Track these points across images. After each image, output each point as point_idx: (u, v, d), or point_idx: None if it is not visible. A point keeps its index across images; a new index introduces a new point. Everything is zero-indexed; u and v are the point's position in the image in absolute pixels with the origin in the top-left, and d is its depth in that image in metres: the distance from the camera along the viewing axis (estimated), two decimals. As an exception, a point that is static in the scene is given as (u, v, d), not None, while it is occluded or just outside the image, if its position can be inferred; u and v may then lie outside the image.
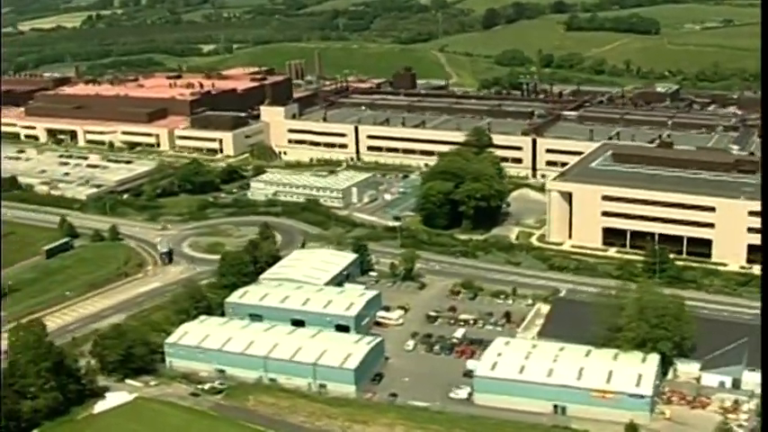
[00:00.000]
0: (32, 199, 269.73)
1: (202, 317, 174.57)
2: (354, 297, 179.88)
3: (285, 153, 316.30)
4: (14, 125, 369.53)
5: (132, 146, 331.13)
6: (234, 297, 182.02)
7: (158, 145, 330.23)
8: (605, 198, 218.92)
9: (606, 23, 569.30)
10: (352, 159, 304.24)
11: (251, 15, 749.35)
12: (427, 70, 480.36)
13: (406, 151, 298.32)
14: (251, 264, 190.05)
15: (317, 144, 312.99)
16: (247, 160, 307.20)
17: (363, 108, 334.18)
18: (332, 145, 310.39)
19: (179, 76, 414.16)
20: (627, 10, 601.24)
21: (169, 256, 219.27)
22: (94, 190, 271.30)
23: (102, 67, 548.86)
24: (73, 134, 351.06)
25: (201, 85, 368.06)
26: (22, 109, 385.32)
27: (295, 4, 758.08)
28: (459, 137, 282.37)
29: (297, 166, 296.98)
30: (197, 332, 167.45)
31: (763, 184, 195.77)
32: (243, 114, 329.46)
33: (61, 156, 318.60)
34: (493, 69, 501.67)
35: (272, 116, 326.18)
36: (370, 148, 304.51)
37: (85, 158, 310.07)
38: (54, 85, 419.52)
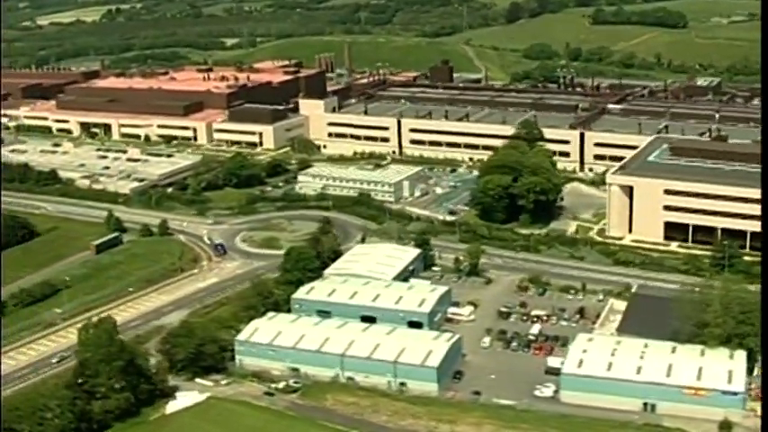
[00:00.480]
0: (74, 193, 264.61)
1: (270, 313, 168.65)
2: (425, 293, 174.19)
3: (325, 146, 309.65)
4: (46, 118, 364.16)
5: (169, 139, 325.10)
6: (301, 293, 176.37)
7: (195, 138, 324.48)
8: (668, 192, 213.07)
9: (632, 17, 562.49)
10: (393, 153, 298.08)
11: (272, 9, 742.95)
12: (456, 64, 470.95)
13: (449, 145, 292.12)
14: (315, 259, 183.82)
15: (358, 137, 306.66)
16: (288, 154, 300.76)
17: (403, 101, 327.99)
18: (373, 138, 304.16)
19: (210, 70, 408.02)
20: (653, 4, 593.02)
21: (222, 248, 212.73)
22: (137, 184, 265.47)
23: (125, 61, 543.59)
24: (107, 127, 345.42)
25: (237, 79, 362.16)
26: (53, 102, 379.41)
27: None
28: (507, 130, 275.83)
29: (340, 159, 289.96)
30: (268, 329, 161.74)
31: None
32: (281, 107, 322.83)
33: (99, 149, 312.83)
34: (521, 63, 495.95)
35: (312, 109, 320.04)
36: (413, 142, 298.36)
37: (124, 152, 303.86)
38: (83, 79, 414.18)
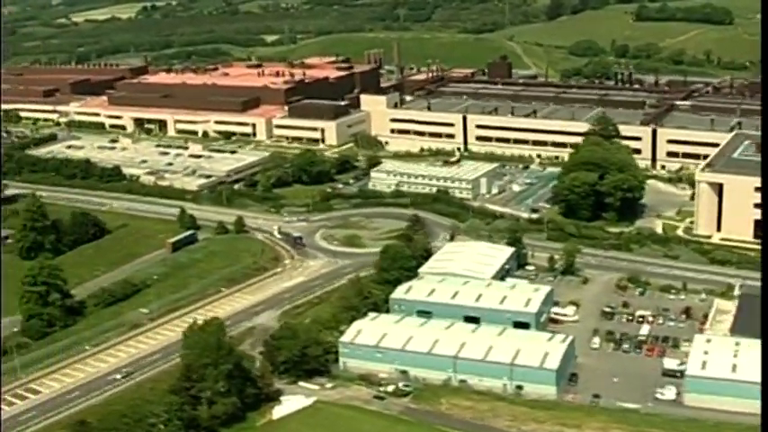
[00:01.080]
0: (139, 190, 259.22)
1: (372, 314, 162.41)
2: (529, 292, 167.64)
3: (387, 143, 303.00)
4: (98, 114, 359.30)
5: (227, 135, 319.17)
6: (399, 293, 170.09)
7: (254, 134, 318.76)
8: (758, 189, 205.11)
9: (677, 13, 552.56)
10: (459, 149, 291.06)
11: (309, 6, 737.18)
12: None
13: (517, 141, 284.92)
14: (411, 258, 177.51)
15: (422, 134, 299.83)
16: (353, 150, 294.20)
17: (465, 97, 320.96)
18: (438, 135, 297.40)
19: (260, 65, 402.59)
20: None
21: (300, 242, 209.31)
22: (204, 180, 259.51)
23: (166, 58, 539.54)
24: (162, 123, 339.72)
25: (292, 75, 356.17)
26: (104, 98, 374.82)
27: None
28: (580, 126, 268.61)
29: (406, 156, 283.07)
30: (372, 330, 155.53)
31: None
32: (343, 103, 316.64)
33: (158, 145, 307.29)
34: (569, 59, 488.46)
35: (373, 105, 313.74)
36: (479, 138, 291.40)
37: (185, 148, 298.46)
38: (131, 75, 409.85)
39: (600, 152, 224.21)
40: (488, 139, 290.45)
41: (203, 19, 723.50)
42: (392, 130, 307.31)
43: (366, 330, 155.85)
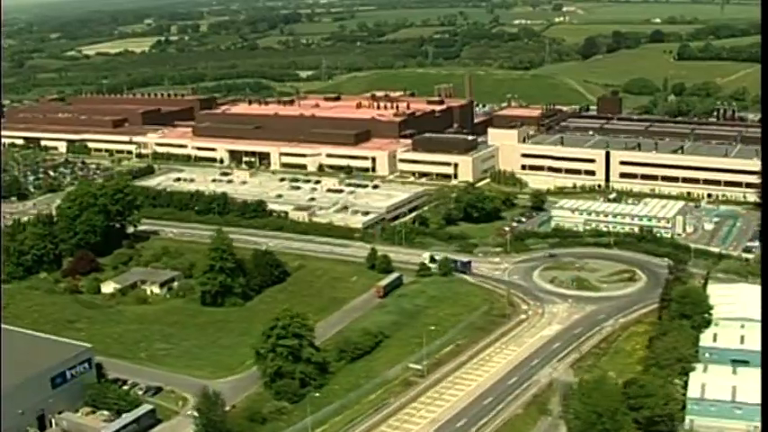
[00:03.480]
0: (293, 227, 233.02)
1: (698, 365, 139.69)
2: None
3: (522, 179, 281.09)
4: (184, 146, 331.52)
5: (345, 170, 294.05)
6: (707, 341, 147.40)
7: (373, 169, 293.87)
8: None
9: (723, 53, 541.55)
10: (599, 186, 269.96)
11: (330, 42, 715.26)
12: (566, 96, 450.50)
13: (665, 178, 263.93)
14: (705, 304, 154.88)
15: (557, 170, 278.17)
16: (489, 186, 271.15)
17: (591, 133, 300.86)
18: (576, 171, 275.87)
19: (338, 98, 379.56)
20: (744, 38, 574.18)
21: (467, 267, 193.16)
22: (366, 217, 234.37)
23: (206, 90, 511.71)
24: (261, 156, 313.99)
25: (397, 107, 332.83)
26: (182, 129, 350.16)
27: (375, 32, 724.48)
28: (749, 165, 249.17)
29: (552, 192, 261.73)
30: (718, 384, 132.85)
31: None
32: (471, 137, 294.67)
33: (283, 179, 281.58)
34: (627, 98, 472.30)
35: (502, 139, 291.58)
36: (623, 175, 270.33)
37: (317, 182, 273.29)
38: (201, 105, 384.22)
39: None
40: (633, 175, 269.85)
41: (221, 54, 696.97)
42: (523, 166, 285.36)
43: (711, 384, 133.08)
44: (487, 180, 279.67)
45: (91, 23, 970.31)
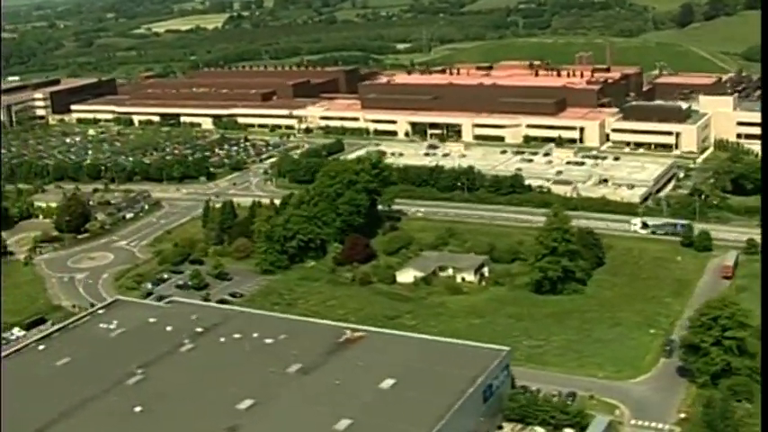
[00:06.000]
0: (560, 203, 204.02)
1: None
2: None
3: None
4: (356, 119, 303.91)
5: (544, 140, 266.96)
6: None
7: (581, 140, 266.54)
8: None
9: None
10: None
11: (411, 14, 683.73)
12: (699, 65, 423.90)
13: None
14: None
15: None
16: (716, 156, 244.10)
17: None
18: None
19: (490, 68, 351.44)
20: None
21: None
22: (631, 191, 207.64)
23: (312, 64, 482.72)
24: (449, 127, 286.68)
25: (581, 75, 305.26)
26: (345, 101, 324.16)
27: (456, 3, 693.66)
28: None
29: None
30: None
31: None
32: (685, 105, 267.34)
33: (504, 151, 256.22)
34: (751, 65, 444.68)
35: (715, 107, 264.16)
36: None
37: (545, 154, 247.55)
38: (345, 77, 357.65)
39: None
40: None
41: (300, 28, 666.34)
42: (738, 135, 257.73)
43: None
44: (711, 149, 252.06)
45: (144, 2, 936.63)
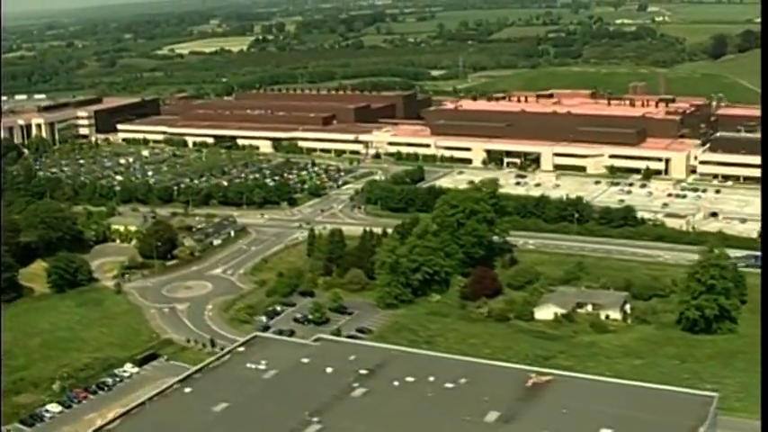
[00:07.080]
0: (675, 237, 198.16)
1: None
2: None
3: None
4: (427, 146, 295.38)
5: (627, 170, 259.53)
6: None
7: (666, 171, 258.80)
8: None
9: None
10: None
11: (440, 41, 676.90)
12: (746, 96, 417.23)
13: None
14: None
15: None
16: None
17: None
18: None
19: (551, 95, 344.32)
20: None
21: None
22: (744, 225, 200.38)
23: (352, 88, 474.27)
24: (525, 155, 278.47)
25: (655, 105, 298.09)
26: (410, 127, 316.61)
27: (484, 31, 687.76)
28: None
29: None
30: None
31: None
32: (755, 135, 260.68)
33: (598, 182, 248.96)
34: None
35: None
36: None
37: (642, 185, 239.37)
38: (403, 102, 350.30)
39: None
40: None
41: (327, 53, 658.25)
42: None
43: None
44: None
45: (162, 24, 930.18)
